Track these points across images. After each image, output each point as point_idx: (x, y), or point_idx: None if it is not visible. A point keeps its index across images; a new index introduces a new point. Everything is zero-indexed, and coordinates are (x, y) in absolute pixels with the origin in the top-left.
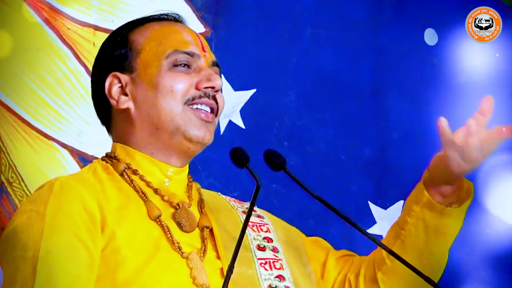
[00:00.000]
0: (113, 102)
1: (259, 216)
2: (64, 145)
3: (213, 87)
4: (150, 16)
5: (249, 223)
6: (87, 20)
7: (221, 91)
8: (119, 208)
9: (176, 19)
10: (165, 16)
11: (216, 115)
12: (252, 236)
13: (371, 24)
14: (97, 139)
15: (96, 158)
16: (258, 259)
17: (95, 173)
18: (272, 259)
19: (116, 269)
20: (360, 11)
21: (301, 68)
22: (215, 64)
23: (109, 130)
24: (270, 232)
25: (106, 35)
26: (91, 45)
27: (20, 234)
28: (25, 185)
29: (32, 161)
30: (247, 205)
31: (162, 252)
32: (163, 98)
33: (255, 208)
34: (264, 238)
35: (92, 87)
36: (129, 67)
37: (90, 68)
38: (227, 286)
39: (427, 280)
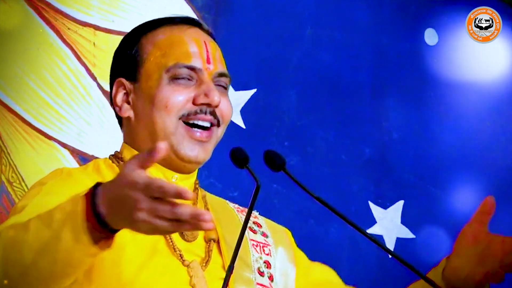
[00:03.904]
0: (116, 109)
1: (263, 235)
2: (64, 145)
3: (209, 104)
4: (165, 18)
5: (254, 242)
6: (87, 20)
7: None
8: None
9: (191, 23)
10: (180, 20)
11: (218, 125)
12: (255, 257)
13: (371, 24)
14: (97, 139)
15: (97, 158)
16: (257, 283)
17: (98, 170)
18: (267, 287)
19: (120, 265)
20: (360, 11)
21: (302, 68)
22: (222, 75)
23: (121, 126)
24: (270, 255)
25: (107, 35)
26: (92, 45)
27: (22, 201)
28: (25, 185)
29: (32, 161)
30: (253, 219)
31: (162, 258)
32: (158, 113)
33: (258, 216)
34: (265, 262)
35: (110, 83)
36: (134, 75)
37: (91, 68)
38: (227, 285)
39: (427, 280)
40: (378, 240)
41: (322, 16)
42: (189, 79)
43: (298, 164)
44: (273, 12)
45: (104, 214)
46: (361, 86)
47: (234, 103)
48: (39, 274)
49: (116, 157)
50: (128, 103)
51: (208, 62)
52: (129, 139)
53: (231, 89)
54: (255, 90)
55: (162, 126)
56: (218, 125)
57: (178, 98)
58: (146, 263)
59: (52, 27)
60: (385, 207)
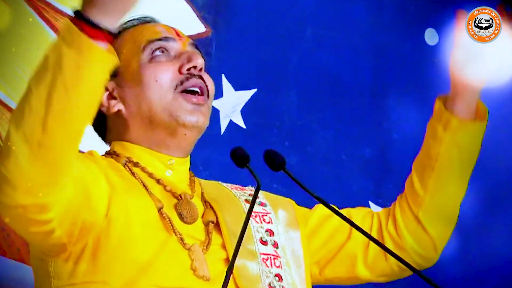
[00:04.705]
0: (103, 109)
1: (262, 204)
2: None
3: (195, 67)
4: (124, 25)
5: (252, 214)
6: None
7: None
8: (125, 191)
9: (150, 21)
10: (138, 21)
11: (208, 97)
12: (255, 228)
13: (371, 24)
14: (96, 139)
15: None
16: (261, 253)
17: (94, 157)
18: (273, 255)
19: (126, 245)
20: (360, 11)
21: (302, 68)
22: (194, 46)
23: (105, 139)
24: (272, 223)
25: None
26: None
27: None
28: None
29: None
30: (249, 191)
31: (164, 242)
32: (149, 90)
33: (254, 189)
34: (266, 230)
35: None
36: (113, 72)
37: None
38: (226, 285)
39: (428, 280)
40: (378, 241)
41: (322, 16)
42: (167, 53)
43: (298, 164)
44: (273, 12)
45: (92, 12)
46: (361, 86)
47: (234, 103)
48: (54, 116)
49: (109, 153)
50: (114, 98)
51: (179, 36)
52: (121, 134)
53: (231, 88)
54: (255, 90)
55: (158, 99)
56: (208, 95)
57: (164, 72)
58: (152, 245)
59: (52, 26)
60: (385, 207)
